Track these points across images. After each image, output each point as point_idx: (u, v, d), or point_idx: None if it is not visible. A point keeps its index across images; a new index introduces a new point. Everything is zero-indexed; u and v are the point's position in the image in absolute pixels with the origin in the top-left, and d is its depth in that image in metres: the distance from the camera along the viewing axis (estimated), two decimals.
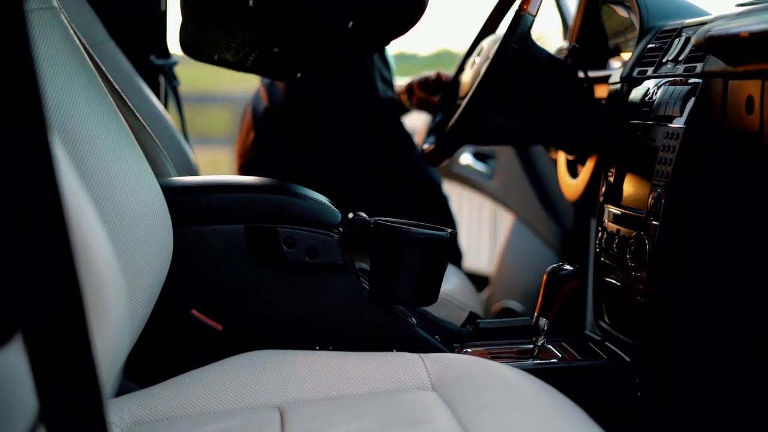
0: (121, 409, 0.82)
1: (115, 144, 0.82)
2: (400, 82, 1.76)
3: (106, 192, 0.76)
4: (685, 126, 0.98)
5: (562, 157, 1.49)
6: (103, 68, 1.02)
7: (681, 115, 0.99)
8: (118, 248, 0.74)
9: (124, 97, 1.03)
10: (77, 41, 0.88)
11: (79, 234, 0.56)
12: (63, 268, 0.42)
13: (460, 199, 2.35)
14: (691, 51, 1.04)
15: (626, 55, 1.44)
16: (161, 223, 0.90)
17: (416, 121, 2.19)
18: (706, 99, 0.97)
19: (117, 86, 1.03)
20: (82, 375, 0.44)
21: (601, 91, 1.33)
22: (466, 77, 1.39)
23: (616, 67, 1.42)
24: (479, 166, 2.27)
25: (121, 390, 0.89)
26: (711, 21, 1.01)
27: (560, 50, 1.54)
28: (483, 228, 2.32)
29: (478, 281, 2.09)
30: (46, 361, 0.43)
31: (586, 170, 1.33)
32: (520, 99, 1.27)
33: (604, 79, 1.32)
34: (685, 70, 1.03)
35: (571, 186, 1.41)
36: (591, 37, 1.51)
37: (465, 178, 2.30)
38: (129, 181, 0.82)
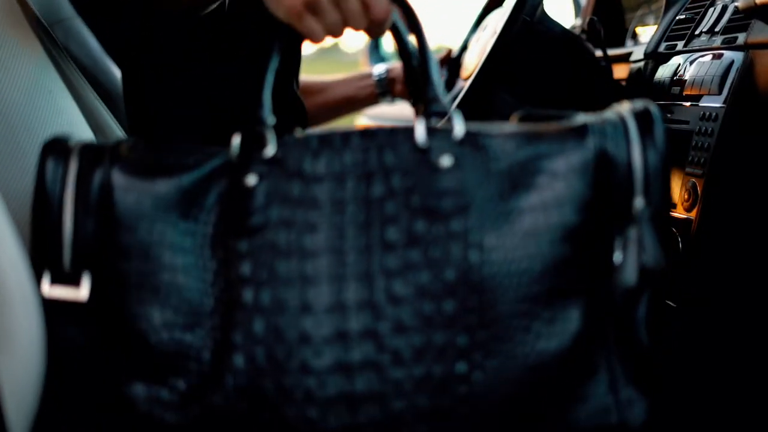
0: None
1: (59, 127, 0.70)
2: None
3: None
4: (726, 105, 0.85)
5: None
6: (62, 45, 0.91)
7: (720, 93, 0.87)
8: None
9: (82, 78, 0.90)
10: (22, 16, 0.78)
11: None
12: None
13: None
14: (730, 20, 0.91)
15: (643, 31, 1.32)
16: None
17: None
18: (750, 73, 0.84)
19: (83, 64, 0.93)
20: None
21: (619, 71, 1.21)
22: (471, 55, 1.26)
23: (634, 45, 1.30)
24: None
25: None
26: None
27: (573, 28, 1.41)
28: None
29: None
30: None
31: None
32: (530, 77, 1.15)
33: (625, 58, 1.19)
34: (723, 41, 0.90)
35: None
36: (606, 12, 1.38)
37: None
38: None
